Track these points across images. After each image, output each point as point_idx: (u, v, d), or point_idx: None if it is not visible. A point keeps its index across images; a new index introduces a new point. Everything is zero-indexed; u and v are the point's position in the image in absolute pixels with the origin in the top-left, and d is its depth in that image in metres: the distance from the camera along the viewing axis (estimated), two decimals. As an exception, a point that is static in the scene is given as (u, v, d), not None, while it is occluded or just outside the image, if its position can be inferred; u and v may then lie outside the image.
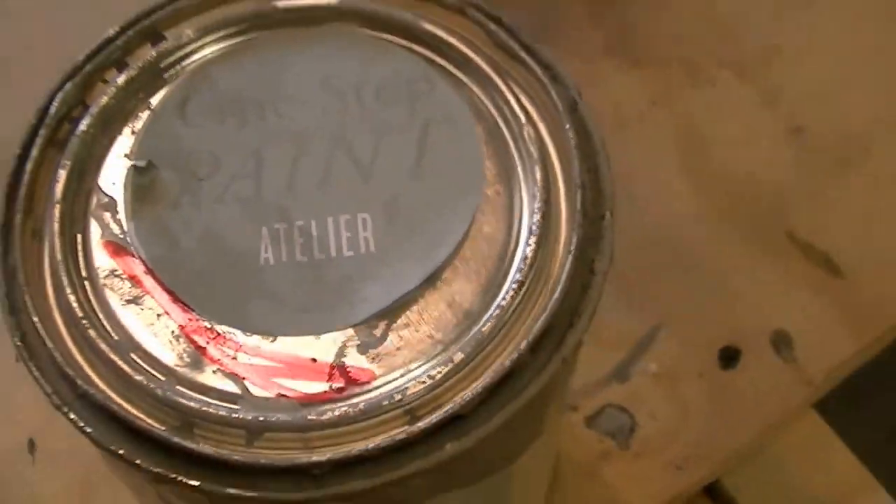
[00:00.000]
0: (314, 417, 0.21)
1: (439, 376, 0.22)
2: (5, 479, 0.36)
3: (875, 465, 0.37)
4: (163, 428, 0.21)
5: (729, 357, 0.37)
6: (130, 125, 0.25)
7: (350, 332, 0.22)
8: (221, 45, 0.26)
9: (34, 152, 0.24)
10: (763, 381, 0.37)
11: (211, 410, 0.21)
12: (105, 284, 0.23)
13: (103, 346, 0.22)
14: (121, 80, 0.25)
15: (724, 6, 0.44)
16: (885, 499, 0.37)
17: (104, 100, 0.25)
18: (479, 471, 0.24)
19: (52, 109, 0.24)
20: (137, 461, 0.21)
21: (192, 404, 0.21)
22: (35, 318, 0.22)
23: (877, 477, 0.37)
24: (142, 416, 0.21)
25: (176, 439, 0.21)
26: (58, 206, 0.23)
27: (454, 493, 0.23)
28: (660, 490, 0.35)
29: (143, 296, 0.23)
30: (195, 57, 0.26)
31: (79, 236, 0.23)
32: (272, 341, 0.22)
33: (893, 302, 0.38)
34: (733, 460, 0.36)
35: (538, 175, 0.24)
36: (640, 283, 0.38)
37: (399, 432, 0.21)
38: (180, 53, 0.25)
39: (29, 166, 0.24)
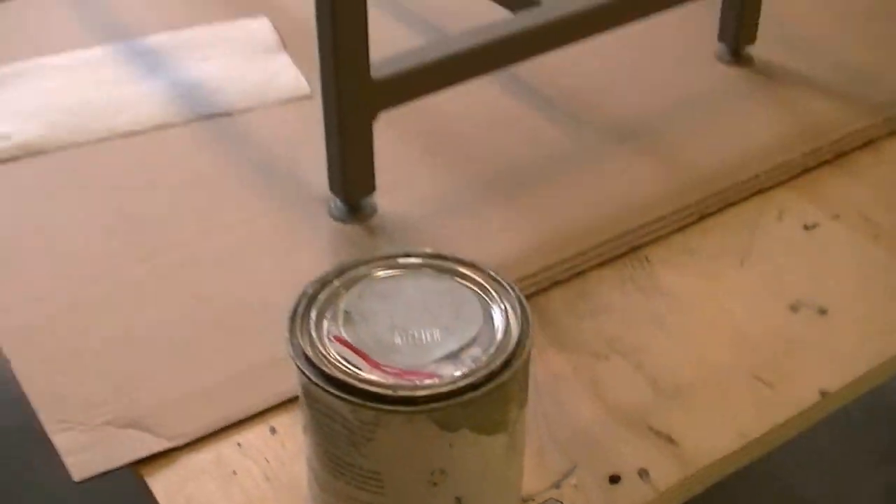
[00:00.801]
0: (418, 383, 0.60)
1: (465, 372, 0.60)
2: (255, 449, 0.73)
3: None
4: (356, 384, 0.59)
5: (614, 479, 0.74)
6: (340, 300, 0.65)
7: (430, 363, 0.61)
8: (377, 274, 0.66)
9: (301, 308, 0.64)
10: (635, 491, 0.74)
11: (376, 380, 0.60)
12: (333, 347, 0.62)
13: (333, 360, 0.61)
14: (335, 283, 0.65)
15: (617, 329, 0.85)
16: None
17: (328, 292, 0.65)
18: (479, 425, 0.61)
19: (308, 291, 0.65)
20: (348, 397, 0.59)
21: (368, 377, 0.60)
22: (306, 354, 0.61)
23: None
24: (350, 380, 0.60)
25: (363, 388, 0.59)
26: (313, 323, 0.63)
27: (467, 433, 0.61)
28: (576, 535, 0.71)
29: (351, 352, 0.62)
30: (365, 278, 0.66)
31: (323, 335, 0.63)
32: (401, 366, 0.61)
33: (706, 453, 0.76)
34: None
35: (503, 315, 0.63)
36: (567, 447, 0.76)
37: (448, 388, 0.59)
38: (358, 277, 0.66)
39: (299, 312, 0.64)
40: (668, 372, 0.81)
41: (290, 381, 0.74)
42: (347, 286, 0.66)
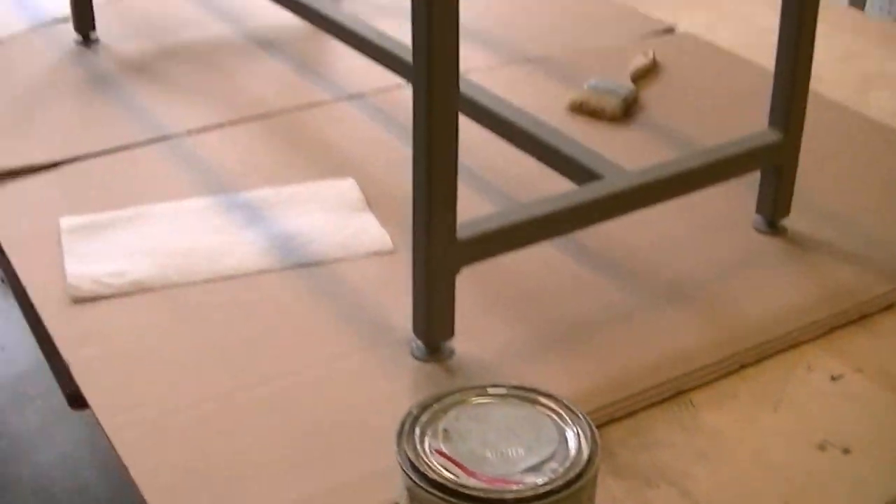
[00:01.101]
0: (504, 488, 0.74)
1: (546, 481, 0.75)
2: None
3: None
4: (455, 487, 0.74)
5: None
6: (440, 420, 0.80)
7: (516, 473, 0.76)
8: (470, 400, 0.82)
9: (407, 425, 0.79)
10: None
11: (472, 485, 0.74)
12: (434, 458, 0.77)
13: (434, 468, 0.76)
14: (435, 407, 0.81)
15: (667, 461, 0.99)
16: None
17: (429, 413, 0.80)
18: (557, 526, 0.76)
19: (413, 412, 0.80)
20: (448, 498, 0.74)
21: (465, 483, 0.75)
22: (411, 462, 0.76)
23: None
24: (449, 484, 0.74)
25: (461, 490, 0.74)
26: (417, 438, 0.78)
27: (547, 533, 0.75)
28: None
29: (450, 463, 0.77)
30: (460, 403, 0.81)
31: (425, 448, 0.78)
32: (491, 475, 0.76)
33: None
34: None
35: (576, 437, 0.78)
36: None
37: (532, 493, 0.74)
38: (455, 402, 0.81)
39: (406, 428, 0.79)
40: (710, 498, 0.95)
41: (381, 493, 0.89)
42: (445, 409, 0.81)
